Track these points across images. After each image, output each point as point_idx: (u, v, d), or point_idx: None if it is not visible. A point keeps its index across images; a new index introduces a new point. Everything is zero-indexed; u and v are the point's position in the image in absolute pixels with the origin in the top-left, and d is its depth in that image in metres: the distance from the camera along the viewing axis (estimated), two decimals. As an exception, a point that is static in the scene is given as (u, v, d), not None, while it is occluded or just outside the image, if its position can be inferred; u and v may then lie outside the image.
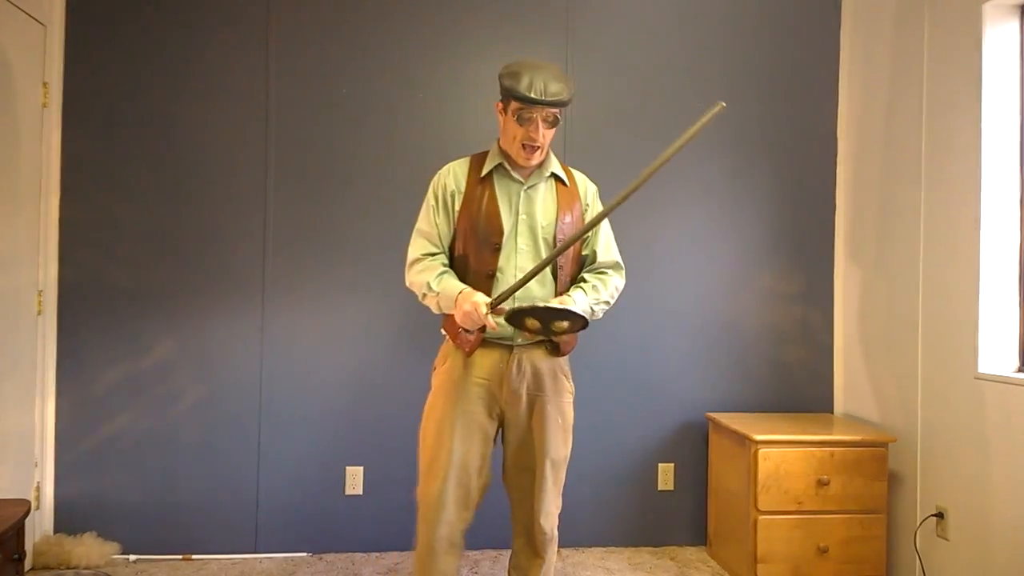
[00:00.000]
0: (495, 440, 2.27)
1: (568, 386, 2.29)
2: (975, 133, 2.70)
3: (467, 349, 2.18)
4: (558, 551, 3.33)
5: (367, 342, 3.33)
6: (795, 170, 3.53)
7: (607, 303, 2.27)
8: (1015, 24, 2.70)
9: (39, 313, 3.08)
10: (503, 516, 2.39)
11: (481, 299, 2.03)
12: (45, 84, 3.10)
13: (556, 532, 2.30)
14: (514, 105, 2.12)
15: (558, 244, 2.16)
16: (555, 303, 2.07)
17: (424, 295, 2.19)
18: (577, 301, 2.13)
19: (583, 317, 2.02)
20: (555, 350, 2.24)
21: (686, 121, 3.42)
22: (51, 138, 3.15)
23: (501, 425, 2.24)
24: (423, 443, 2.22)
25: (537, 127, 2.12)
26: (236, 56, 3.29)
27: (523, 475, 2.24)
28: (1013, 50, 2.70)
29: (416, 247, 2.25)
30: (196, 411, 3.24)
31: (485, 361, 2.19)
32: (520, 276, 2.11)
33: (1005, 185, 2.69)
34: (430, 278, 2.16)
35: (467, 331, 2.13)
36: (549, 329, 2.04)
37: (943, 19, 2.89)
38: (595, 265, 2.32)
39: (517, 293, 2.09)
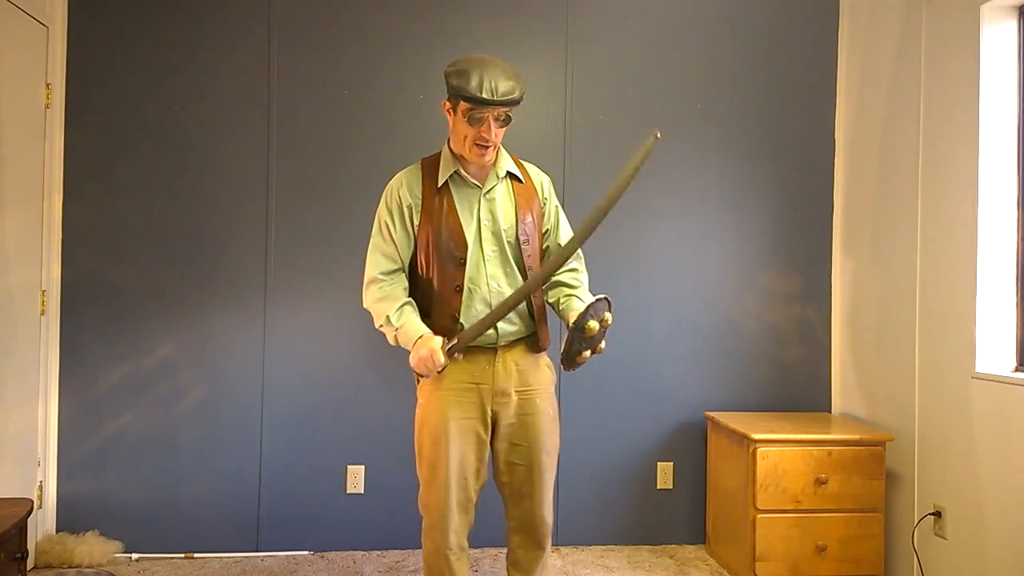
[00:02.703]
0: (490, 442, 2.24)
1: (551, 375, 2.28)
2: (973, 133, 2.71)
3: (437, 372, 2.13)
4: (557, 548, 3.35)
5: (368, 341, 3.34)
6: (793, 170, 3.54)
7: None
8: (1013, 24, 2.70)
9: (42, 313, 3.10)
10: (502, 515, 2.40)
11: (437, 344, 2.03)
12: (48, 85, 3.12)
13: (550, 521, 2.31)
14: (464, 105, 2.06)
15: (521, 245, 2.16)
16: (586, 307, 2.05)
17: (382, 325, 2.16)
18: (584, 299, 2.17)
19: (599, 301, 2.05)
20: (535, 347, 2.24)
21: (685, 122, 3.48)
22: (54, 139, 3.16)
23: (495, 425, 2.21)
24: (420, 454, 2.20)
25: (489, 127, 2.06)
26: (238, 57, 3.30)
27: (516, 472, 2.22)
28: (1011, 51, 2.70)
29: (373, 264, 2.19)
30: (198, 410, 3.26)
31: (471, 366, 2.16)
32: (492, 289, 2.12)
33: (1003, 185, 2.70)
34: (390, 311, 2.13)
35: (421, 375, 2.12)
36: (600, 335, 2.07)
37: (941, 20, 2.89)
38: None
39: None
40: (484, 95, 1.99)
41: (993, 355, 2.68)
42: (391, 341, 2.18)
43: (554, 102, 3.42)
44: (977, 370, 2.67)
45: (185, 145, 3.28)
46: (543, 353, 2.28)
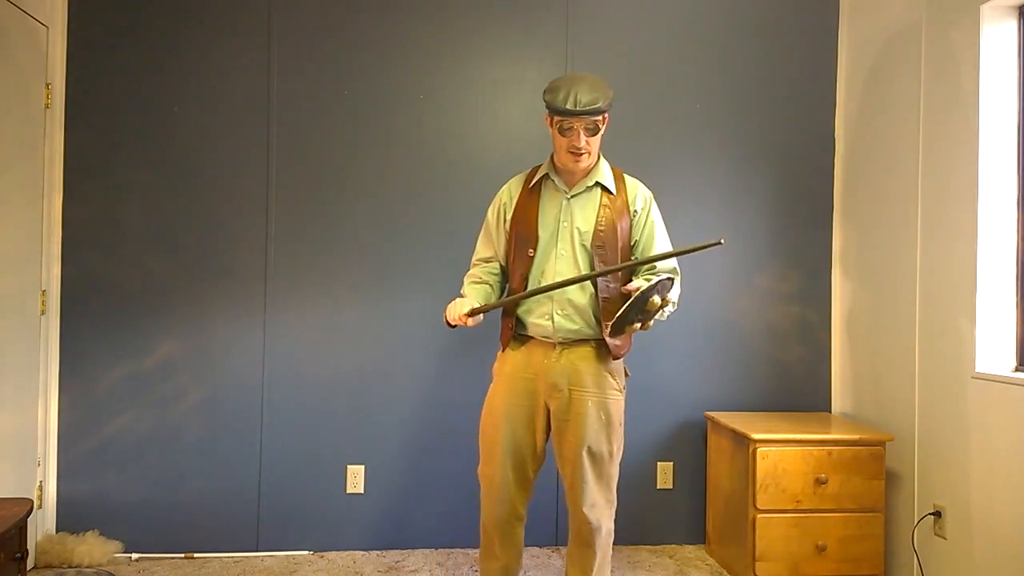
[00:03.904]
0: (547, 430, 2.39)
1: (613, 383, 2.36)
2: (973, 133, 2.71)
3: (502, 343, 2.44)
4: (556, 548, 3.34)
5: (368, 341, 3.35)
6: (793, 170, 3.54)
7: (673, 304, 2.31)
8: (1013, 24, 2.70)
9: (42, 313, 3.10)
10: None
11: (466, 302, 2.30)
12: (48, 85, 3.12)
13: (609, 526, 2.36)
14: (555, 118, 2.27)
15: (595, 251, 2.30)
16: (655, 282, 2.13)
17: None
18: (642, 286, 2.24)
19: (666, 279, 2.15)
20: (605, 355, 2.34)
21: (685, 122, 3.48)
22: (54, 139, 3.16)
23: (549, 417, 2.36)
24: (482, 430, 2.42)
25: (578, 135, 2.26)
26: (238, 57, 3.30)
27: (565, 466, 2.35)
28: (1011, 51, 2.70)
29: (476, 251, 2.53)
30: (198, 410, 3.26)
31: (530, 357, 2.36)
32: (556, 280, 2.27)
33: (1003, 184, 2.70)
34: (467, 284, 2.46)
35: (447, 324, 2.33)
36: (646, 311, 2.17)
37: (941, 20, 2.89)
38: (655, 271, 2.38)
39: (555, 295, 2.31)
40: (568, 107, 2.21)
41: (993, 355, 2.68)
42: None
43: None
44: (977, 370, 2.67)
45: (185, 145, 3.28)
46: (611, 362, 2.37)
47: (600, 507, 2.33)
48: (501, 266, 2.47)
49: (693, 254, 2.20)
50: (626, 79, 3.46)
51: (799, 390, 3.53)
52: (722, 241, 2.09)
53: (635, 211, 2.39)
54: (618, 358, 2.39)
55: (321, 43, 3.34)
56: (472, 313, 2.26)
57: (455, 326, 2.31)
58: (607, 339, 2.31)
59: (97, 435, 3.21)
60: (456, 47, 3.40)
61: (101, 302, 3.23)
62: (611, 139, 3.43)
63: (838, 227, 3.55)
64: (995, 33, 2.69)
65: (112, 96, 3.24)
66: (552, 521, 3.37)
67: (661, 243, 2.42)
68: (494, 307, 2.32)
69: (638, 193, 2.42)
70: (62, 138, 3.20)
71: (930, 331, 2.92)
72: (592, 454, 2.30)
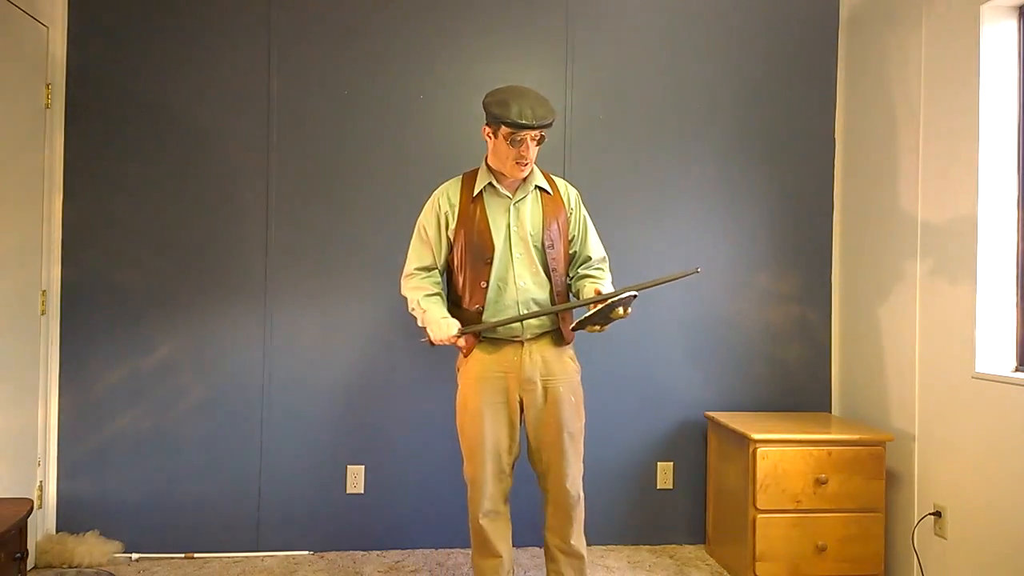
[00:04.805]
0: (520, 421, 2.53)
1: (575, 367, 2.57)
2: (973, 133, 2.71)
3: (464, 352, 2.51)
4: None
5: (368, 341, 3.35)
6: (793, 170, 3.54)
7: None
8: (1013, 24, 2.70)
9: (42, 313, 3.10)
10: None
11: (455, 324, 2.40)
12: (48, 85, 3.12)
13: (581, 493, 2.55)
14: (505, 130, 2.35)
15: (546, 249, 2.45)
16: (627, 296, 2.27)
17: (413, 309, 2.51)
18: (607, 286, 2.49)
19: (632, 296, 2.28)
20: (560, 341, 2.52)
21: (685, 122, 3.48)
22: (54, 139, 3.17)
23: (523, 409, 2.50)
24: (461, 433, 2.52)
25: (528, 147, 2.37)
26: (239, 58, 3.30)
27: (544, 451, 2.50)
28: (1011, 51, 2.70)
29: (411, 260, 2.55)
30: (198, 410, 3.26)
31: (501, 357, 2.47)
32: (519, 287, 2.44)
33: (1003, 184, 2.70)
34: (420, 296, 2.49)
35: (430, 343, 2.44)
36: (608, 317, 2.34)
37: (941, 20, 2.89)
38: (591, 262, 2.61)
39: (518, 298, 2.45)
40: (524, 121, 2.30)
41: (993, 355, 2.68)
42: (419, 323, 2.51)
43: (554, 101, 3.40)
44: (977, 370, 2.67)
45: (185, 145, 3.28)
46: (567, 347, 2.56)
47: (576, 479, 2.53)
48: (440, 272, 2.57)
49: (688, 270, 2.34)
50: (626, 79, 3.47)
51: (799, 390, 3.53)
52: (699, 270, 2.33)
53: (570, 208, 2.56)
54: (569, 343, 2.56)
55: (321, 43, 3.34)
56: (461, 334, 2.39)
57: (435, 345, 2.42)
58: (563, 329, 2.50)
59: (97, 435, 3.21)
60: (455, 46, 3.40)
61: (101, 302, 3.23)
62: (611, 139, 3.45)
63: (838, 227, 3.55)
64: (995, 33, 2.69)
65: (112, 96, 3.24)
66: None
67: (593, 237, 2.61)
68: (481, 329, 2.41)
69: (568, 191, 2.59)
70: (62, 138, 3.20)
71: (930, 331, 2.92)
72: (570, 434, 2.49)
